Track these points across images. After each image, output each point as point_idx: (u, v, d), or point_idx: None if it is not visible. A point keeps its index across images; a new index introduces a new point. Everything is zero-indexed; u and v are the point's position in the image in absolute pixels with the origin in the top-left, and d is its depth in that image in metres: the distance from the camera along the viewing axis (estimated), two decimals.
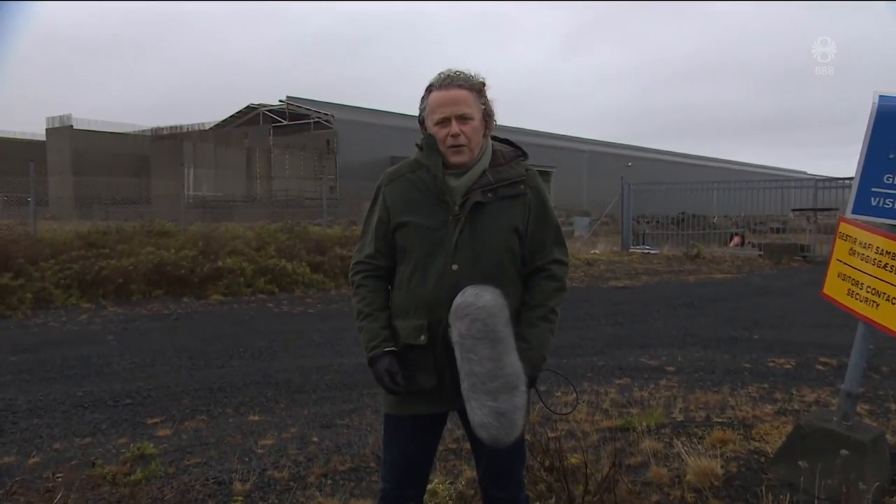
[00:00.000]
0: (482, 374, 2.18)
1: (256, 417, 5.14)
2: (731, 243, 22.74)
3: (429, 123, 2.44)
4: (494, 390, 2.18)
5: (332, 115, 50.14)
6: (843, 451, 3.46)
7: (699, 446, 4.14)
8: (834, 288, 3.78)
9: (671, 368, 6.58)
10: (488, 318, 2.18)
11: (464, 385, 2.22)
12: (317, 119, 51.33)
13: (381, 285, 2.50)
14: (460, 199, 2.39)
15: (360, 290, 2.50)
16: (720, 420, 4.80)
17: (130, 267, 11.34)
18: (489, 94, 2.46)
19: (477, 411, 2.20)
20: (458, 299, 2.22)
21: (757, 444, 4.26)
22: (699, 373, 6.40)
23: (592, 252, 20.85)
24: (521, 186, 2.44)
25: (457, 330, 2.22)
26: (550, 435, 3.80)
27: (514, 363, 2.21)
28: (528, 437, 2.84)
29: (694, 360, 6.97)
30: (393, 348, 2.39)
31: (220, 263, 11.99)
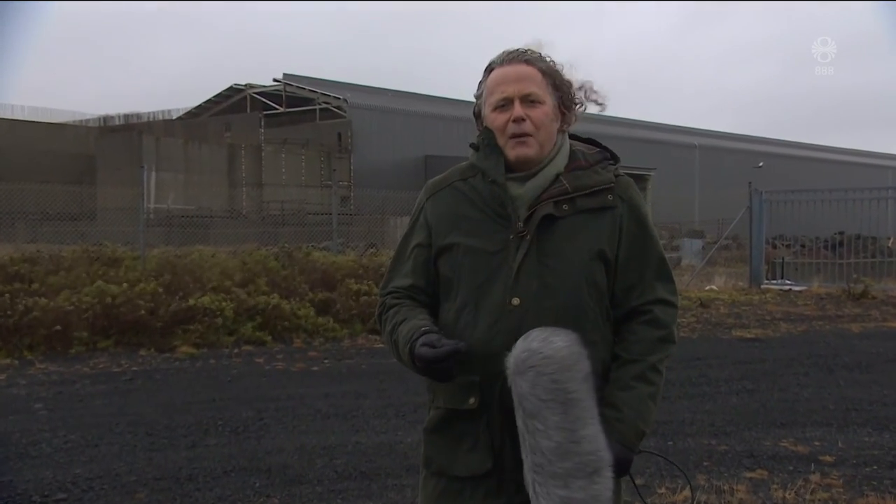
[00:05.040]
0: (550, 451, 2.18)
1: None
2: None
3: (486, 111, 2.49)
4: (565, 474, 2.18)
5: (345, 100, 50.64)
6: None
7: None
8: None
9: (828, 458, 6.44)
10: (559, 371, 2.18)
11: (526, 465, 2.23)
12: (324, 105, 51.88)
13: (418, 305, 2.53)
14: (525, 212, 2.41)
15: (390, 311, 2.54)
16: None
17: (69, 308, 11.51)
18: (571, 77, 2.53)
19: (543, 502, 2.18)
20: (520, 346, 2.23)
21: None
22: (871, 466, 6.25)
23: (708, 288, 20.64)
24: (609, 197, 2.46)
25: (517, 389, 2.22)
26: None
27: (594, 437, 2.21)
28: None
29: (862, 446, 6.81)
30: (434, 328, 2.39)
31: (191, 302, 12.11)
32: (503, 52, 2.51)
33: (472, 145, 2.56)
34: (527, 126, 2.41)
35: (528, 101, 2.42)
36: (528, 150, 2.43)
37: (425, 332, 2.35)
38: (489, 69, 2.51)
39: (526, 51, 2.49)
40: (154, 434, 7.21)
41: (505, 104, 2.43)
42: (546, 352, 2.19)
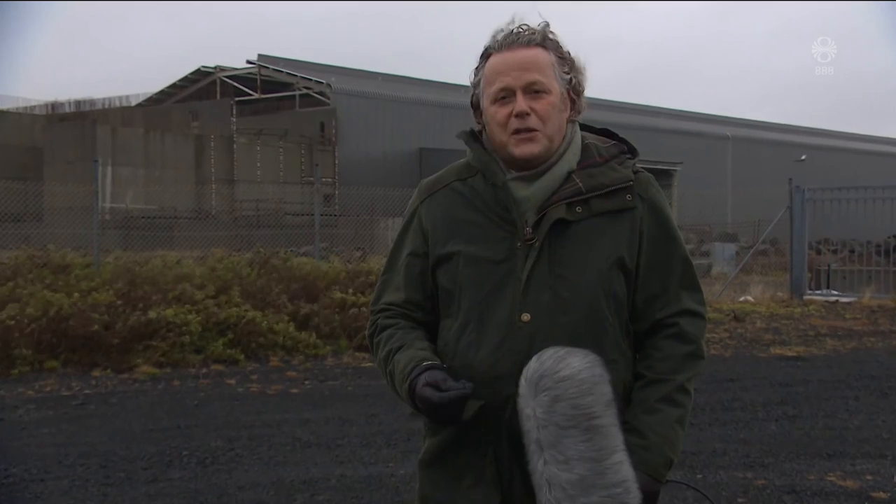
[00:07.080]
0: (571, 484, 2.18)
1: None
2: None
3: (485, 103, 2.48)
4: None
5: (329, 85, 50.61)
6: None
7: None
8: None
9: (881, 495, 6.45)
10: (580, 395, 2.19)
11: (543, 500, 2.23)
12: (305, 90, 51.84)
13: (416, 327, 2.53)
14: (534, 216, 2.41)
15: (383, 333, 2.53)
16: None
17: (10, 322, 11.50)
18: (578, 59, 2.52)
19: None
20: (532, 366, 2.24)
21: None
22: None
23: (743, 300, 20.68)
24: (628, 196, 2.47)
25: (531, 415, 2.22)
26: None
27: (621, 467, 2.22)
28: None
29: None
30: (437, 362, 2.38)
31: (152, 315, 12.10)
32: (500, 34, 2.48)
33: (466, 141, 2.56)
34: (531, 121, 2.40)
35: (532, 90, 2.41)
36: (536, 147, 2.41)
37: (428, 368, 2.34)
38: (486, 54, 2.49)
39: (526, 30, 2.47)
40: (109, 466, 7.20)
41: (506, 96, 2.42)
42: (564, 373, 2.19)
